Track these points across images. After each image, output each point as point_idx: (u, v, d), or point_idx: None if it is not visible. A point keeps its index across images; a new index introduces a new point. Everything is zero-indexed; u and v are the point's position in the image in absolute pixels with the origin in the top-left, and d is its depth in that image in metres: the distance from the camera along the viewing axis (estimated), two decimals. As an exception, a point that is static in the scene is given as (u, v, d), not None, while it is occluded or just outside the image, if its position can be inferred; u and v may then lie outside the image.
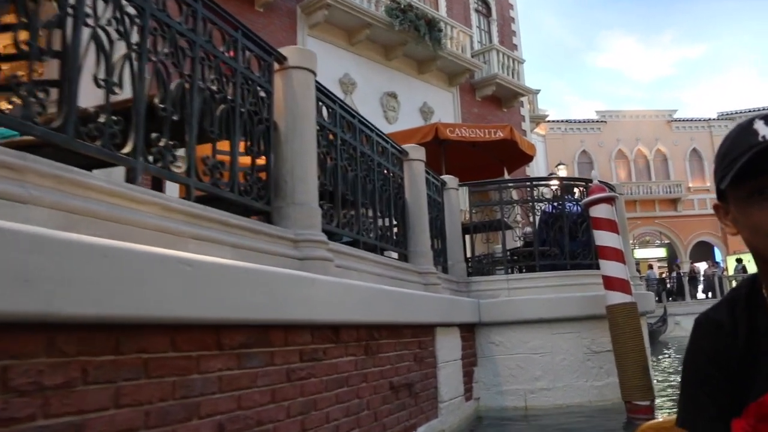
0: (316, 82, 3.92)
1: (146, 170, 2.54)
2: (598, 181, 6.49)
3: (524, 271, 7.19)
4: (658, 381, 8.43)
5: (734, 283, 25.62)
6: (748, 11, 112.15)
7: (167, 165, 2.65)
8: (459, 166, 8.95)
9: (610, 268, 5.73)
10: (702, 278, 28.09)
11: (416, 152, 5.64)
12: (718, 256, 33.62)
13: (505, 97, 19.19)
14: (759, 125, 1.02)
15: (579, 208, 6.78)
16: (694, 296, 26.32)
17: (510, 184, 7.31)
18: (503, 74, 18.50)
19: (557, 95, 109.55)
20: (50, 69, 2.47)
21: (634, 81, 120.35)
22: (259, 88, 3.47)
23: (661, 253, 35.78)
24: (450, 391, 5.34)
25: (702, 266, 30.61)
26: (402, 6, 14.73)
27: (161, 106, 2.67)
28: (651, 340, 18.45)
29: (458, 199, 7.03)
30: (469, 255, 7.42)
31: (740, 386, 1.13)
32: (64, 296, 1.67)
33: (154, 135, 2.59)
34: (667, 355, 15.23)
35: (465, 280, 6.63)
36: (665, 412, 6.06)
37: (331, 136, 4.18)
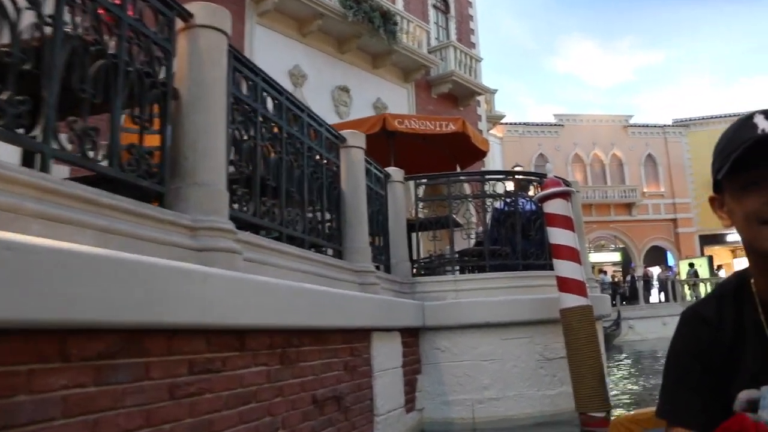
0: (232, 47, 3.37)
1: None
2: (554, 175, 6.06)
3: (475, 271, 6.71)
4: (613, 390, 8.05)
5: (686, 287, 25.95)
6: (704, 21, 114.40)
7: (10, 126, 2.08)
8: (409, 161, 8.46)
9: (564, 268, 5.28)
10: (655, 282, 28.22)
11: (355, 138, 5.12)
12: (671, 260, 33.87)
13: (462, 95, 18.81)
14: (759, 119, 1.06)
15: (533, 205, 6.34)
16: (647, 300, 26.36)
17: (461, 178, 6.83)
18: (460, 72, 18.12)
19: (515, 98, 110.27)
20: None
21: (592, 85, 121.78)
22: (154, 47, 2.90)
23: (616, 257, 35.92)
24: (388, 402, 4.81)
25: (655, 270, 30.79)
26: (356, -3, 14.22)
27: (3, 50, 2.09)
28: (605, 343, 18.34)
29: (404, 193, 6.52)
30: (419, 254, 6.95)
31: (722, 380, 1.15)
32: None
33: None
34: (622, 362, 14.97)
35: (409, 281, 6.11)
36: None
37: (250, 113, 3.63)
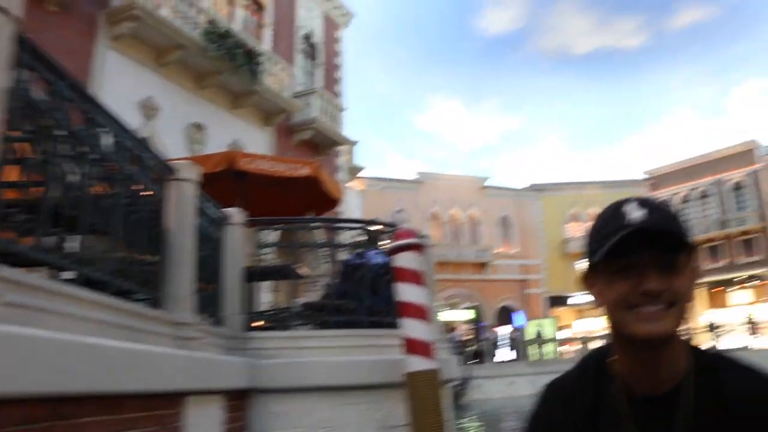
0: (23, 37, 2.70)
1: None
2: (406, 226, 5.69)
3: (318, 327, 6.15)
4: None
5: (532, 348, 26.69)
6: (561, 89, 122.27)
7: None
8: (259, 206, 7.85)
9: (411, 327, 4.84)
10: (505, 341, 28.87)
11: (188, 171, 4.49)
12: (520, 320, 34.94)
13: (324, 143, 18.48)
14: (630, 206, 1.14)
15: (384, 258, 5.92)
16: (494, 359, 26.87)
17: (305, 224, 6.31)
18: (323, 120, 17.81)
19: (380, 152, 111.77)
20: None
21: (455, 145, 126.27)
22: None
23: (469, 315, 36.60)
24: (203, 479, 4.12)
25: (506, 329, 31.56)
26: (221, 32, 13.61)
27: None
28: (452, 402, 18.24)
29: (245, 239, 5.90)
30: (257, 306, 6.32)
31: None
32: None
33: None
34: (467, 423, 14.79)
35: (242, 336, 5.45)
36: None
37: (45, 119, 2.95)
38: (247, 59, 14.17)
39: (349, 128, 20.02)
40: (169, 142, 12.67)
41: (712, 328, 29.19)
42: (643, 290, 1.10)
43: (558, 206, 38.50)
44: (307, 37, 19.54)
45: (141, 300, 3.93)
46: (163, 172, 4.30)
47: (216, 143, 14.15)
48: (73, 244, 3.15)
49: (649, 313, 1.09)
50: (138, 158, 3.92)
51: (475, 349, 27.55)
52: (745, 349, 25.64)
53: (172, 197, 4.35)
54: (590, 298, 1.20)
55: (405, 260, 4.94)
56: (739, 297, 39.73)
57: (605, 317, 1.16)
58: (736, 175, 36.96)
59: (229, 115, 15.16)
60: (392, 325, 5.70)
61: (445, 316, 34.70)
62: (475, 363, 25.96)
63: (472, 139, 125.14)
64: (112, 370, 2.94)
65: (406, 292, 4.90)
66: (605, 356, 1.24)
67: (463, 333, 31.59)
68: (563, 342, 32.73)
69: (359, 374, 5.28)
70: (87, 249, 3.24)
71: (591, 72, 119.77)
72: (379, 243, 6.33)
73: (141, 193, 3.98)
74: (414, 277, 4.92)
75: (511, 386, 23.42)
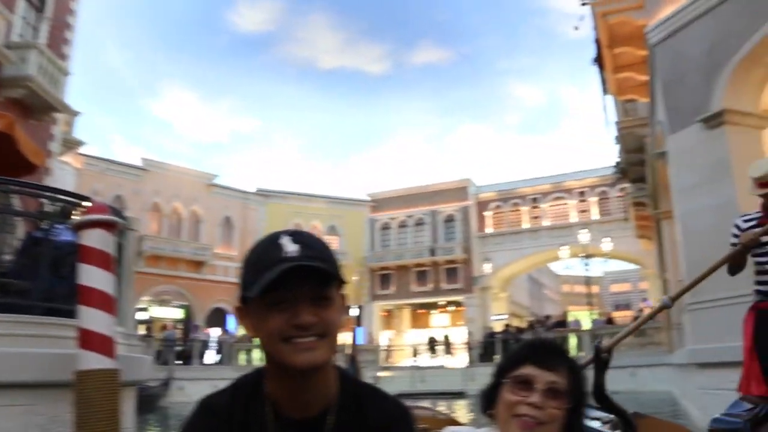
0: None
1: None
2: (103, 202, 4.90)
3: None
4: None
5: (241, 353, 26.22)
6: (301, 100, 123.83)
7: None
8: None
9: (91, 317, 4.07)
10: (213, 344, 28.05)
11: None
12: (231, 324, 34.28)
13: (39, 107, 16.15)
14: (285, 240, 1.18)
15: (74, 236, 5.04)
16: (203, 361, 25.93)
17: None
18: (41, 80, 15.64)
19: (104, 132, 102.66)
20: None
21: (186, 137, 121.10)
22: None
23: (180, 314, 34.98)
24: None
25: (216, 332, 30.72)
26: None
27: None
28: (149, 405, 17.04)
29: None
30: None
31: None
32: None
33: None
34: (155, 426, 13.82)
35: None
36: None
37: None
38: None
39: (72, 98, 17.90)
40: None
41: (431, 342, 31.25)
42: (297, 323, 1.14)
43: (282, 214, 38.67)
44: (34, -16, 17.15)
45: None
46: None
47: None
48: None
49: (304, 344, 1.15)
50: None
51: (182, 350, 26.29)
52: (441, 368, 27.80)
53: None
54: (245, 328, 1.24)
55: (94, 239, 4.17)
56: (439, 320, 43.34)
57: (261, 346, 1.21)
58: (449, 208, 40.30)
59: None
60: (74, 314, 4.85)
61: (156, 312, 32.96)
62: (182, 364, 24.78)
63: (204, 135, 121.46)
64: None
65: (91, 276, 4.12)
66: (260, 378, 1.28)
67: (177, 332, 30.12)
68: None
69: (19, 369, 4.36)
70: None
71: (333, 89, 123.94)
72: (72, 218, 5.42)
73: None
74: (102, 259, 4.17)
75: (215, 389, 22.66)
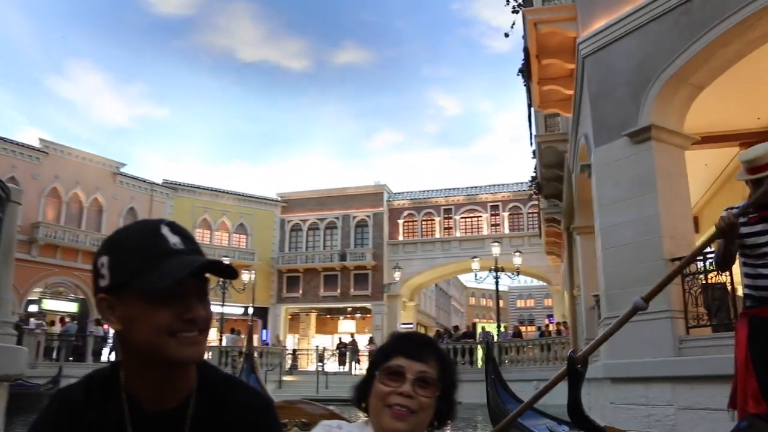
0: None
1: None
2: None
3: None
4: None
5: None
6: (217, 91, 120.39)
7: None
8: None
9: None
10: (110, 340, 26.61)
11: None
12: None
13: None
14: (165, 231, 1.16)
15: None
16: (98, 358, 24.54)
17: None
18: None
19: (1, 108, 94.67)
20: None
21: (92, 121, 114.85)
22: None
23: (74, 307, 33.11)
24: None
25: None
26: None
27: None
28: (33, 404, 15.79)
29: None
30: None
31: None
32: None
33: None
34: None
35: None
36: None
37: None
38: None
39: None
40: None
41: (340, 347, 30.69)
42: (190, 318, 1.13)
43: (190, 209, 37.40)
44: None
45: None
46: None
47: None
48: None
49: (190, 339, 1.14)
50: None
51: (76, 346, 24.76)
52: (347, 374, 27.35)
53: None
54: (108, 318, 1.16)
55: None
56: (346, 326, 42.94)
57: (130, 339, 1.15)
58: (362, 213, 40.00)
59: None
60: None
61: (48, 305, 31.13)
62: (73, 360, 23.34)
63: (111, 120, 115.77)
64: None
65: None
66: (115, 371, 1.24)
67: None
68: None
69: None
70: None
71: (250, 83, 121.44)
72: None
73: None
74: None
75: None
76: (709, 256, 7.82)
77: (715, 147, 11.40)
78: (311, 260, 39.88)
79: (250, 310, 31.46)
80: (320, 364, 27.72)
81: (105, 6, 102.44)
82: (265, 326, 39.06)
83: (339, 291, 39.34)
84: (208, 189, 39.55)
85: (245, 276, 31.64)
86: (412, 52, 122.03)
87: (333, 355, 30.43)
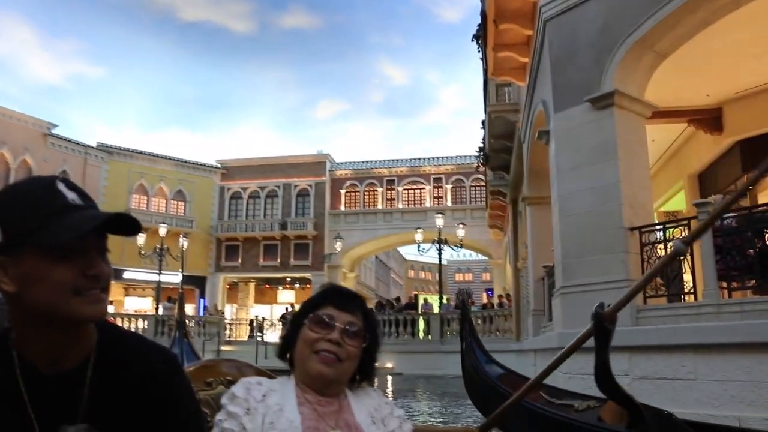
0: None
1: None
2: None
3: None
4: None
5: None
6: (156, 51, 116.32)
7: None
8: None
9: None
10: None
11: None
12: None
13: None
14: (61, 186, 1.11)
15: None
16: None
17: None
18: None
19: None
20: None
21: (19, 77, 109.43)
22: None
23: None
24: None
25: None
26: None
27: None
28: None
29: None
30: None
31: None
32: None
33: None
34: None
35: None
36: None
37: None
38: None
39: None
40: None
41: (284, 317, 30.14)
42: (93, 273, 1.10)
43: (126, 174, 36.11)
44: None
45: None
46: None
47: None
48: None
49: (95, 296, 1.11)
50: None
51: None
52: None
53: None
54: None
55: None
56: (286, 296, 42.46)
57: (23, 298, 1.08)
58: (303, 182, 39.39)
59: None
60: None
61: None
62: None
63: (42, 78, 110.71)
64: None
65: None
66: (5, 334, 1.17)
67: None
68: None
69: None
70: None
71: (191, 45, 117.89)
72: None
73: None
74: None
75: None
76: (668, 226, 7.85)
77: (664, 122, 11.36)
78: (251, 229, 39.17)
79: (179, 277, 30.58)
80: (260, 334, 27.25)
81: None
82: (202, 295, 38.26)
83: (279, 261, 38.82)
84: (145, 153, 38.23)
85: (181, 242, 30.81)
86: (362, 20, 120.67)
87: (273, 325, 29.97)
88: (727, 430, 3.60)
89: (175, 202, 38.77)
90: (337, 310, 1.57)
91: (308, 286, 39.18)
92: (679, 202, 14.55)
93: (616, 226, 7.65)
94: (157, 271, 28.34)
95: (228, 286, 41.40)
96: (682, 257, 7.23)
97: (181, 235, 32.03)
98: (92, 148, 35.66)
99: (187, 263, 30.86)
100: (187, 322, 14.43)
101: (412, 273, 73.87)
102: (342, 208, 39.16)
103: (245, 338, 30.11)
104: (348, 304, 1.61)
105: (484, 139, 20.17)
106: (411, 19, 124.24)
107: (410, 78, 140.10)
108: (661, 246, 7.48)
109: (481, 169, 24.05)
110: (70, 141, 34.41)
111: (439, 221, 26.62)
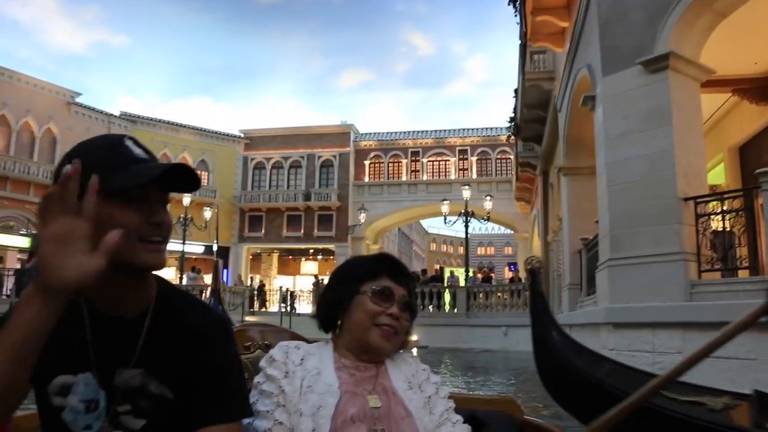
0: None
1: None
2: None
3: None
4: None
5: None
6: (171, 17, 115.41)
7: None
8: None
9: None
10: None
11: None
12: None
13: None
14: (129, 143, 1.18)
15: None
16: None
17: None
18: None
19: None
20: None
21: (42, 45, 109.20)
22: None
23: (25, 242, 31.72)
24: None
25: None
26: None
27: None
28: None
29: None
30: None
31: None
32: None
33: None
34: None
35: None
36: None
37: None
38: None
39: None
40: None
41: (316, 285, 30.03)
42: (156, 221, 1.16)
43: (149, 143, 35.69)
44: None
45: None
46: None
47: None
48: None
49: (157, 245, 1.17)
50: None
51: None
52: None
53: None
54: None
55: None
56: (309, 267, 42.35)
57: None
58: (328, 153, 38.99)
59: None
60: None
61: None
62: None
63: (65, 46, 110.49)
64: None
65: None
66: None
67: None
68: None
69: None
70: None
71: (215, 11, 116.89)
72: None
73: None
74: None
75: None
76: (726, 196, 7.41)
77: (707, 92, 10.82)
78: (274, 199, 38.93)
79: (215, 247, 30.47)
80: (284, 305, 27.13)
81: None
82: (226, 266, 38.23)
83: (302, 232, 38.61)
84: (168, 123, 38.01)
85: (207, 213, 30.67)
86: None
87: (302, 295, 29.83)
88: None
89: (199, 172, 37.41)
90: (394, 283, 1.57)
91: (331, 257, 39.00)
92: (718, 175, 13.98)
93: (670, 195, 7.23)
94: (181, 241, 28.24)
95: (251, 257, 41.36)
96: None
97: (210, 206, 31.92)
98: (115, 116, 35.52)
99: (211, 233, 30.74)
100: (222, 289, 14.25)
101: (434, 246, 73.54)
102: (366, 179, 38.77)
103: (269, 310, 30.05)
104: (402, 276, 1.61)
105: (515, 108, 19.61)
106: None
107: (435, 47, 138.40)
108: (719, 218, 7.08)
109: (512, 140, 23.48)
110: (93, 110, 34.27)
111: (466, 193, 26.16)
